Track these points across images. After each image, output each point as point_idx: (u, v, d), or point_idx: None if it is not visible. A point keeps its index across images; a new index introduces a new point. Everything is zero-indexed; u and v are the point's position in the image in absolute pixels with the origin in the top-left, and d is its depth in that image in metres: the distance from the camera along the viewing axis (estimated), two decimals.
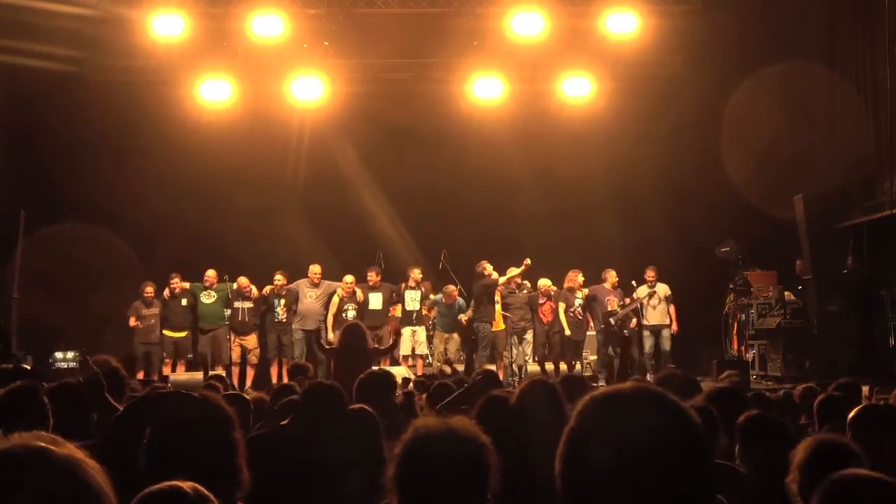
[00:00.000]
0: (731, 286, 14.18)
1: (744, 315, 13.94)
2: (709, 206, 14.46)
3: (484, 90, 14.70)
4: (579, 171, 15.02)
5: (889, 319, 12.07)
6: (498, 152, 14.82)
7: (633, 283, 13.93)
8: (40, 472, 1.28)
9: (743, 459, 4.03)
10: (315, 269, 13.93)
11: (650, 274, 13.96)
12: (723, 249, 14.63)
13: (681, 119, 14.47)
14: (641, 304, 13.80)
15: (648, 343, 13.81)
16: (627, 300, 13.85)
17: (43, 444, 1.32)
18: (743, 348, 13.96)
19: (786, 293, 13.50)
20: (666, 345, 13.79)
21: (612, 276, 13.95)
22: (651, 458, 1.45)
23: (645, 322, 13.78)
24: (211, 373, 12.06)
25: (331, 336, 12.95)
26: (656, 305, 13.83)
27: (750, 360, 13.42)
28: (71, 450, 1.34)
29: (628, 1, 13.93)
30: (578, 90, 14.86)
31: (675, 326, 13.87)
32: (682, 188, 14.78)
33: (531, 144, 15.03)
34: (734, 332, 14.17)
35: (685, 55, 14.82)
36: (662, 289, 13.92)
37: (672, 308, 13.88)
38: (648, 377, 11.77)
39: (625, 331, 13.67)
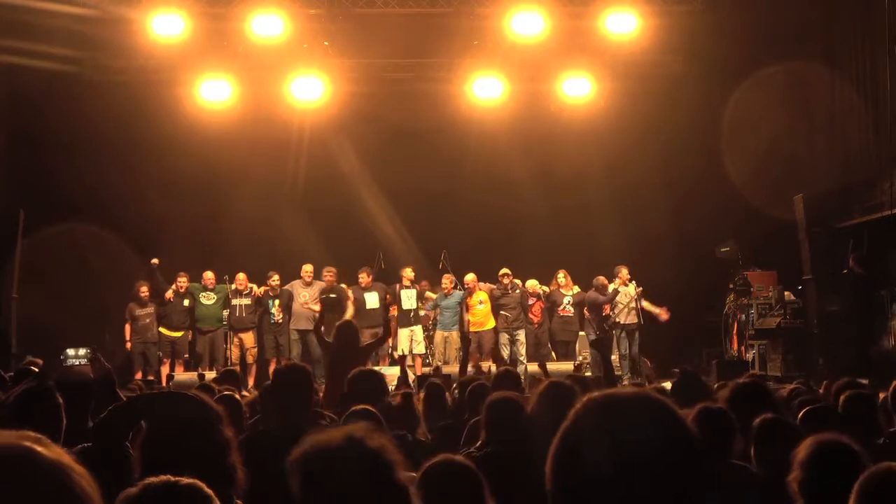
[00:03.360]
0: (731, 286, 14.17)
1: (744, 315, 13.92)
2: (709, 206, 14.46)
3: (484, 90, 14.69)
4: (579, 171, 15.02)
5: (889, 319, 12.06)
6: (498, 152, 14.82)
7: (634, 283, 13.94)
8: (25, 474, 1.24)
9: (757, 461, 4.02)
10: (307, 269, 13.95)
11: (624, 272, 13.93)
12: (723, 249, 14.63)
13: (681, 119, 14.46)
14: (638, 301, 13.85)
15: (623, 345, 13.82)
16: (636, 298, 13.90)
17: (30, 445, 1.28)
18: (743, 348, 13.95)
19: (786, 293, 13.49)
20: (634, 346, 13.82)
21: (600, 281, 13.94)
22: (641, 462, 1.45)
23: (618, 321, 13.79)
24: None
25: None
26: (630, 304, 13.86)
27: (750, 360, 13.41)
28: (58, 453, 1.30)
29: (628, 1, 13.92)
30: (578, 90, 14.87)
31: (664, 315, 13.84)
32: (682, 188, 14.78)
33: (531, 144, 15.03)
34: (734, 332, 14.16)
35: (685, 55, 14.81)
36: (633, 287, 13.91)
37: (646, 303, 13.86)
38: (625, 381, 11.81)
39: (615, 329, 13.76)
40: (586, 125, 14.81)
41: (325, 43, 14.47)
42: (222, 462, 2.63)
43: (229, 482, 2.60)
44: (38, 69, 13.52)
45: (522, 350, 13.66)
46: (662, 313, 13.86)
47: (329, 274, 13.84)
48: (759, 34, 14.20)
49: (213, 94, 14.57)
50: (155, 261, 13.69)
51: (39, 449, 1.28)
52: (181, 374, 12.85)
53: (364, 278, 13.86)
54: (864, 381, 6.79)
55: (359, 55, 14.94)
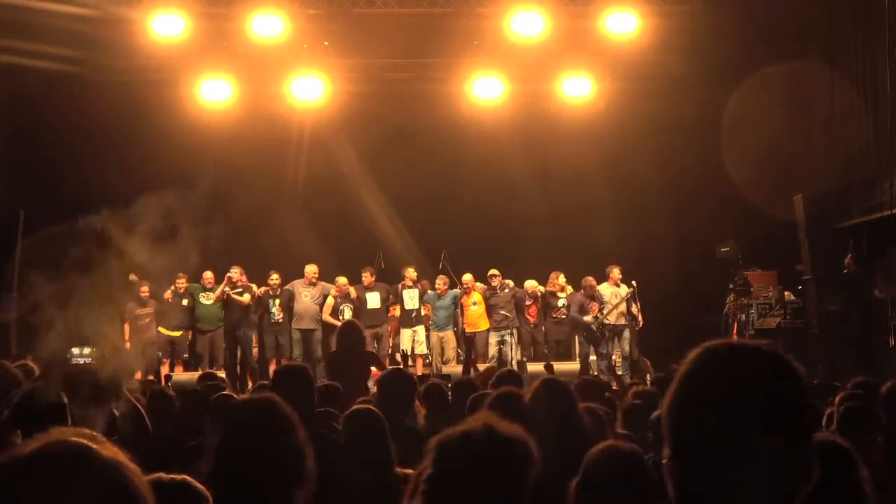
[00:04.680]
0: (731, 286, 14.14)
1: (744, 315, 13.90)
2: (709, 206, 14.46)
3: (484, 90, 14.71)
4: (579, 171, 15.02)
5: (889, 319, 12.05)
6: (498, 152, 14.83)
7: (634, 282, 13.92)
8: (82, 474, 1.24)
9: None
10: (311, 269, 13.94)
11: (616, 273, 13.89)
12: (723, 249, 14.61)
13: (681, 119, 14.46)
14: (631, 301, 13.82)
15: (610, 344, 13.78)
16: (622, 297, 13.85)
17: (85, 443, 1.29)
18: None
19: (786, 293, 13.49)
20: (626, 345, 13.76)
21: (588, 282, 13.88)
22: (761, 416, 1.45)
23: (606, 322, 13.75)
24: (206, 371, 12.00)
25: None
26: (619, 305, 13.82)
27: None
28: (114, 451, 1.30)
29: (628, 1, 13.93)
30: (578, 90, 14.88)
31: (640, 320, 13.78)
32: (682, 188, 14.78)
33: (531, 144, 15.04)
34: (734, 332, 14.13)
35: (685, 55, 14.77)
36: (625, 288, 13.88)
37: (635, 305, 13.82)
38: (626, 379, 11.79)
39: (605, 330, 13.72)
40: (586, 125, 14.82)
41: (325, 43, 14.49)
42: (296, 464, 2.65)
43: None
44: (39, 69, 13.52)
45: (510, 351, 13.63)
46: (638, 320, 13.82)
47: (238, 273, 13.83)
48: (759, 34, 14.19)
49: (213, 94, 14.59)
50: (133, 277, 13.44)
51: (95, 447, 1.29)
52: (180, 374, 12.86)
53: (367, 278, 13.86)
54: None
55: (359, 55, 14.95)
